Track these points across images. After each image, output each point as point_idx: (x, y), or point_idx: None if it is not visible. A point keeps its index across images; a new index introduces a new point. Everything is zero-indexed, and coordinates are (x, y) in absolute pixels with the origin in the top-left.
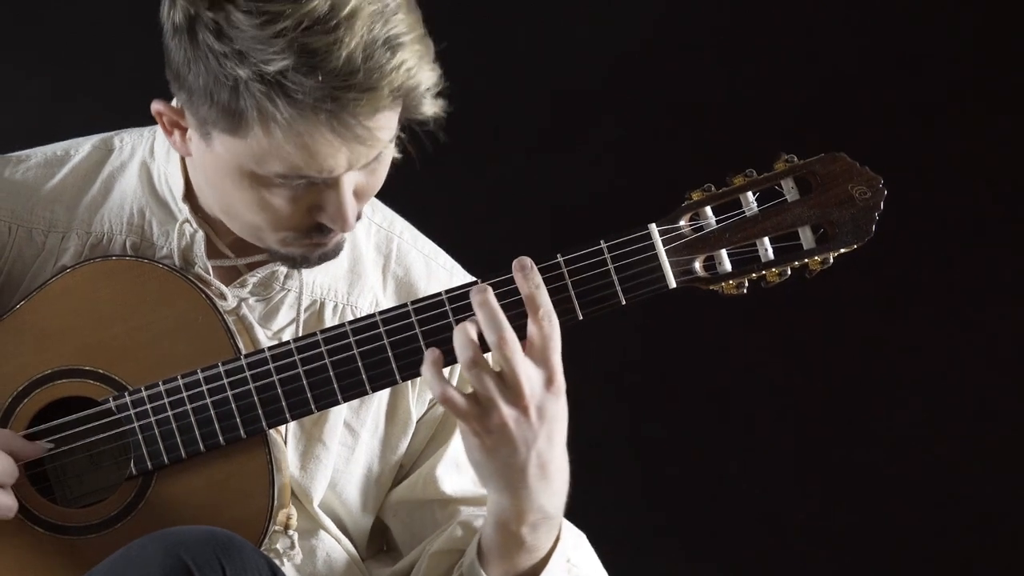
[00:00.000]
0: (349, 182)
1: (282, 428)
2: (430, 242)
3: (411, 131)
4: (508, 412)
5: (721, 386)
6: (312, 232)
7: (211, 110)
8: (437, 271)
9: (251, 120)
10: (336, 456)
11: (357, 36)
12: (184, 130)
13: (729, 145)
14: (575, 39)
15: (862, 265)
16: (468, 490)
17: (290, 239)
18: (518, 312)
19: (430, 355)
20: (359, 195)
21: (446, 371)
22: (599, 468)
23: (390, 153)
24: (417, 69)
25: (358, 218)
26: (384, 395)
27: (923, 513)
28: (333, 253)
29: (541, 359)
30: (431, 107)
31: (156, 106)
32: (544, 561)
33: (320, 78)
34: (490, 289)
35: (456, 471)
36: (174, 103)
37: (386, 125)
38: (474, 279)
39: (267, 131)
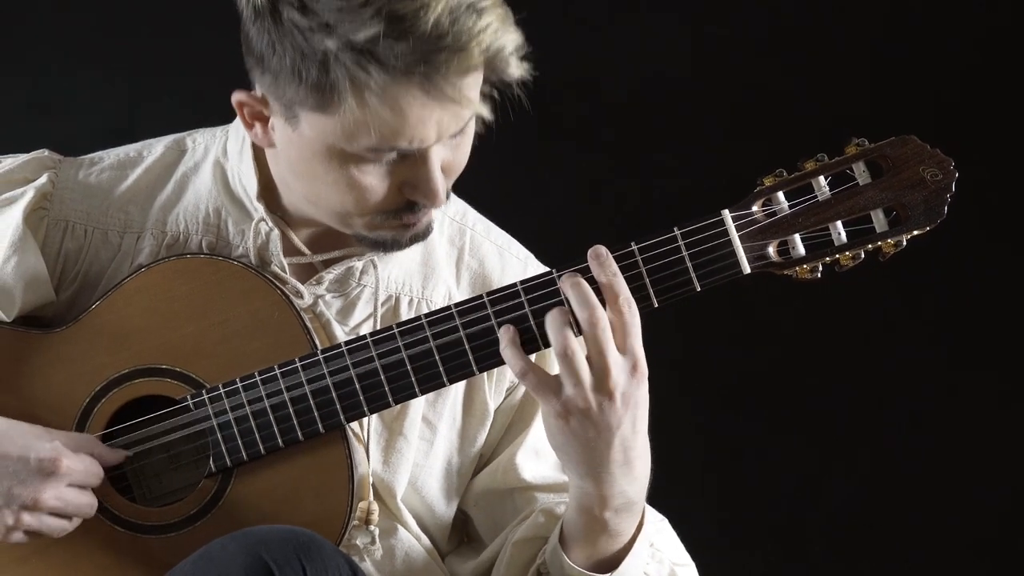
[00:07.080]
0: (437, 156)
1: (364, 422)
2: (504, 233)
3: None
4: (594, 397)
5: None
6: (401, 212)
7: (299, 89)
8: (511, 261)
9: (343, 92)
10: (415, 450)
11: (442, 1)
12: (266, 120)
13: (799, 133)
14: (651, 34)
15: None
16: (548, 476)
17: (379, 221)
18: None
19: (506, 333)
20: (446, 171)
21: None
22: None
23: (472, 130)
24: (503, 31)
25: (447, 196)
26: (460, 387)
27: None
28: (423, 234)
29: (624, 345)
30: (517, 69)
31: (237, 96)
32: (628, 546)
33: (411, 42)
34: (579, 274)
35: (536, 458)
36: (255, 92)
37: (475, 86)
38: (548, 269)
39: (360, 101)
